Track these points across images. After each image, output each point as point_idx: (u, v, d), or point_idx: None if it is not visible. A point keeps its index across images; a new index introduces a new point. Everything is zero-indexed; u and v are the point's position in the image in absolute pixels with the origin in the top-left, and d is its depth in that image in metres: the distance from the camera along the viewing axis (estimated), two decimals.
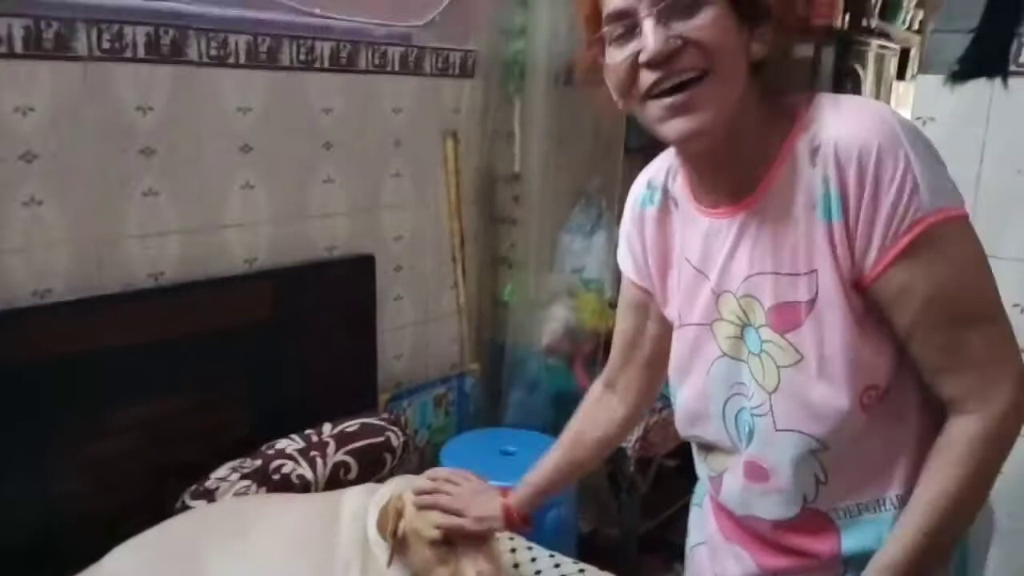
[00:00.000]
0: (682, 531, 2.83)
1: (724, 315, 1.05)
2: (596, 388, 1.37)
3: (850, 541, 1.03)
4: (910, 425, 0.99)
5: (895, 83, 4.19)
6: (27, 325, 1.77)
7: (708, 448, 1.15)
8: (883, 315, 0.94)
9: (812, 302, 0.95)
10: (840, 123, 0.91)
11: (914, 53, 4.33)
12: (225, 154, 2.16)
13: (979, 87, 1.88)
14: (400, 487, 1.58)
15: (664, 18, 0.89)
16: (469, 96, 2.84)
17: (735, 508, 1.12)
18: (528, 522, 1.41)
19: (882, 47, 3.77)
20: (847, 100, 0.95)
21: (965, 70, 1.86)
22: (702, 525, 1.21)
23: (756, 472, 1.06)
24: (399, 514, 1.48)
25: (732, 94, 0.92)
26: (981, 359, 0.92)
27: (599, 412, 1.35)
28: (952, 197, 0.90)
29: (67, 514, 1.83)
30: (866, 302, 0.94)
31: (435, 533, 1.41)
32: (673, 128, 0.92)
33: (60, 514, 1.82)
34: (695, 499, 1.26)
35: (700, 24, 0.88)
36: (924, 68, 1.97)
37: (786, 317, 0.97)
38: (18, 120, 1.77)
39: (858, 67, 3.40)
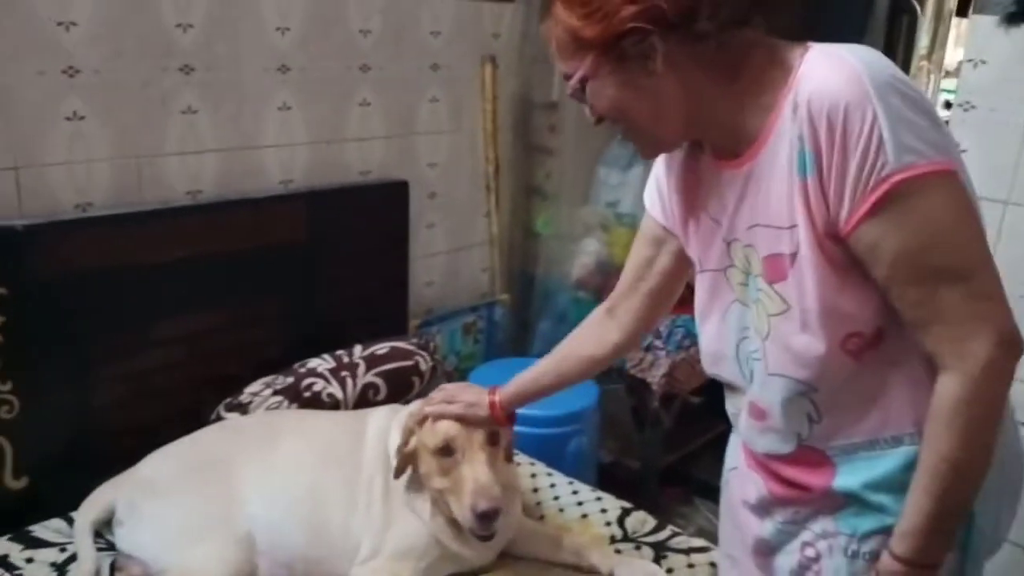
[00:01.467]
0: (704, 466, 2.91)
1: (735, 262, 1.09)
2: (598, 311, 1.43)
3: (845, 477, 1.06)
4: (905, 369, 1.00)
5: (955, 20, 4.02)
6: (69, 237, 1.82)
7: (730, 388, 1.20)
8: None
9: (794, 256, 0.98)
10: (816, 79, 0.92)
11: None
12: (263, 74, 2.17)
13: None
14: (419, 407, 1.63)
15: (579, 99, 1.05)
16: (510, 20, 2.80)
17: (747, 442, 1.19)
18: (511, 419, 1.55)
19: None
20: (830, 54, 0.94)
21: (1022, 11, 1.78)
22: (736, 453, 1.26)
23: (756, 412, 1.12)
24: (411, 432, 1.55)
25: (656, 117, 1.02)
26: (956, 316, 0.91)
27: (594, 332, 1.41)
28: (928, 152, 0.89)
29: (107, 423, 1.91)
30: (848, 254, 0.95)
31: (437, 442, 1.48)
32: None
33: (100, 423, 1.90)
34: (733, 425, 1.30)
35: (590, 102, 1.04)
36: (979, 8, 1.88)
37: (775, 268, 1.01)
38: (60, 34, 1.79)
39: (915, 3, 3.26)
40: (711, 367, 1.20)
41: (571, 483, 2.01)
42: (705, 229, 1.13)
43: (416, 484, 1.58)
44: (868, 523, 1.05)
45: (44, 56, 1.78)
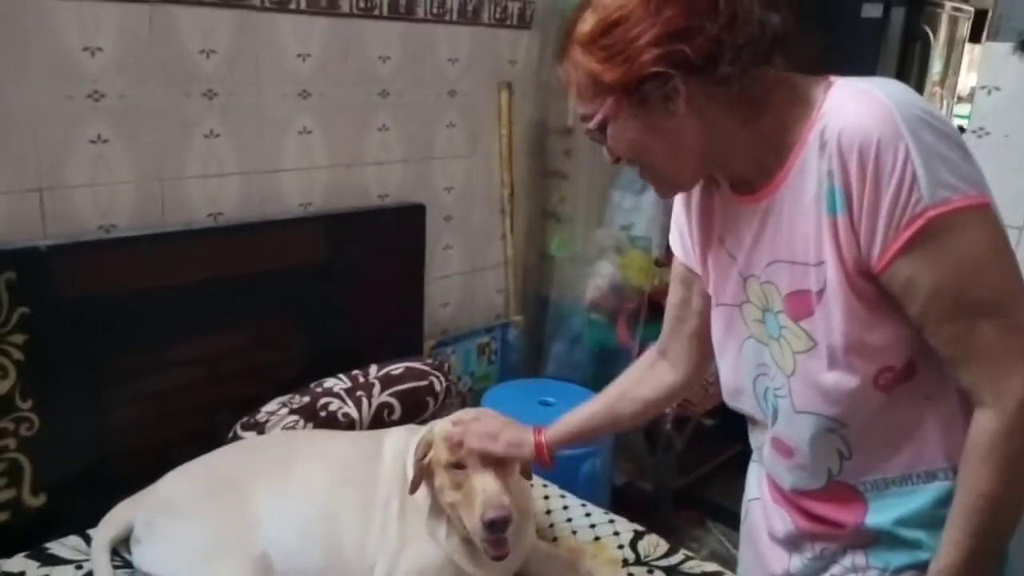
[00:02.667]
0: (717, 489, 2.90)
1: (751, 298, 1.08)
2: (650, 353, 1.39)
3: (877, 514, 1.05)
4: (939, 403, 0.99)
5: (968, 46, 4.03)
6: (91, 258, 1.85)
7: (751, 421, 1.19)
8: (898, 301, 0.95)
9: (821, 292, 0.96)
10: (845, 115, 0.91)
11: (990, 15, 4.14)
12: (284, 99, 2.20)
13: None
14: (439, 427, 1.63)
15: (598, 140, 1.04)
16: (526, 47, 2.84)
17: (773, 476, 1.17)
18: (553, 460, 1.45)
19: (956, 9, 3.62)
20: (857, 88, 0.93)
21: None
22: (758, 482, 1.25)
23: (783, 449, 1.10)
24: (428, 446, 1.56)
25: (675, 157, 1.01)
26: (993, 352, 0.90)
27: (648, 374, 1.37)
28: (962, 186, 0.88)
29: (124, 442, 1.92)
30: (880, 289, 0.93)
31: (450, 457, 1.48)
32: None
33: (118, 442, 1.91)
34: (754, 455, 1.30)
35: (609, 143, 1.02)
36: (992, 35, 1.90)
37: (800, 305, 0.99)
38: (87, 59, 1.83)
39: (928, 30, 3.27)
40: (731, 400, 1.19)
41: (584, 505, 2.01)
42: (721, 263, 1.12)
43: (439, 510, 1.57)
44: (901, 558, 1.04)
45: (70, 81, 1.82)
